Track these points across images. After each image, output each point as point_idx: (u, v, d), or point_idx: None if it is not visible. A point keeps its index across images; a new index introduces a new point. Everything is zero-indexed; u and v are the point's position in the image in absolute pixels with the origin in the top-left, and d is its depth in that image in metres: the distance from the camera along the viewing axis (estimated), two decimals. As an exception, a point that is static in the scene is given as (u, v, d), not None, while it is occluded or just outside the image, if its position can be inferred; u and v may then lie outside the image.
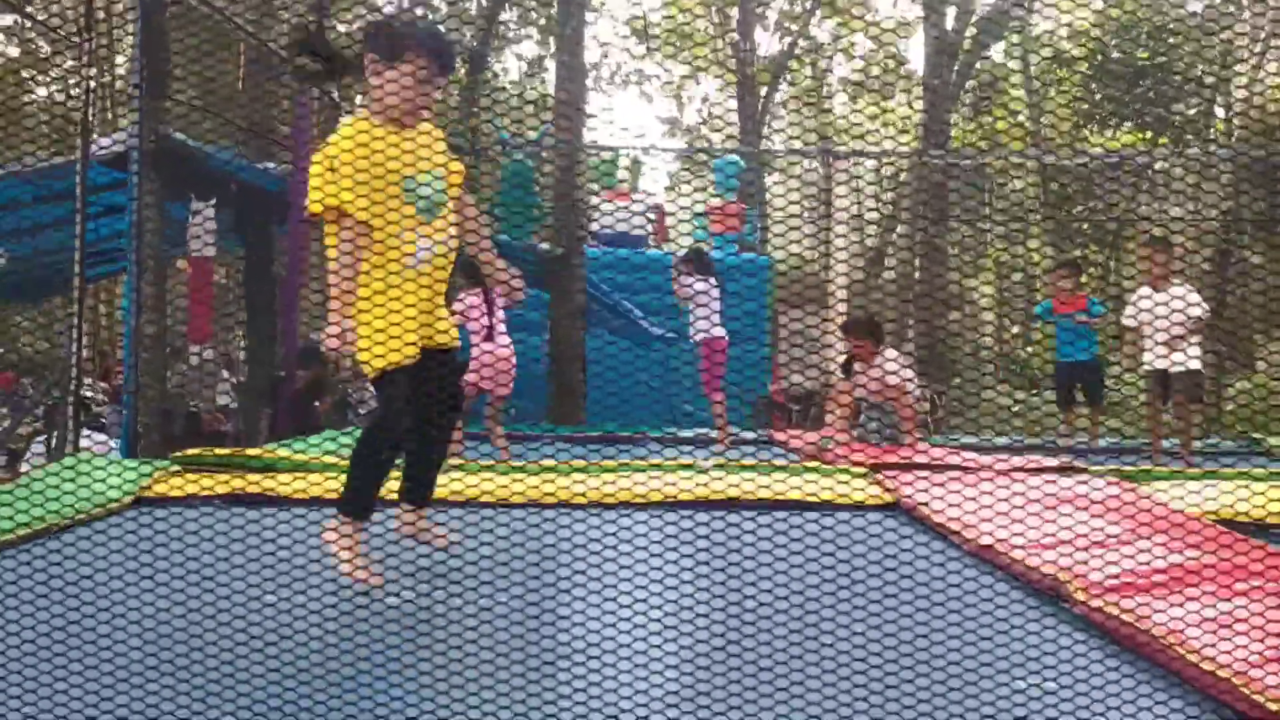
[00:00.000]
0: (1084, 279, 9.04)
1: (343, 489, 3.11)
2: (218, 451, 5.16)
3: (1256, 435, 9.31)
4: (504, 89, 23.45)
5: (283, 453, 5.33)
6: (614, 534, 3.46)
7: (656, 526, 3.80)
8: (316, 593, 2.87)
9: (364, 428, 3.28)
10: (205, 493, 4.40)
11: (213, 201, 7.89)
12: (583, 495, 4.39)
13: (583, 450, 7.75)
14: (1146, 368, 7.44)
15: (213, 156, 7.73)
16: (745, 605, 2.85)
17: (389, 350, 3.00)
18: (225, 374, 11.58)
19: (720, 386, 7.87)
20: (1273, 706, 2.03)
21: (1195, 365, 7.00)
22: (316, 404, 10.99)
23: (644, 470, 5.32)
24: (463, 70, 19.40)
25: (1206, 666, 2.22)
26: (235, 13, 9.53)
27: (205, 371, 10.12)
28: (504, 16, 20.06)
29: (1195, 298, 7.19)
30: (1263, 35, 18.45)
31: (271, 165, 9.40)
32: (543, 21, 20.39)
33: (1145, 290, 7.48)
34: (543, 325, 10.97)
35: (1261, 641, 2.30)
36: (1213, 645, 2.28)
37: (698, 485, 4.59)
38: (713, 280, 8.00)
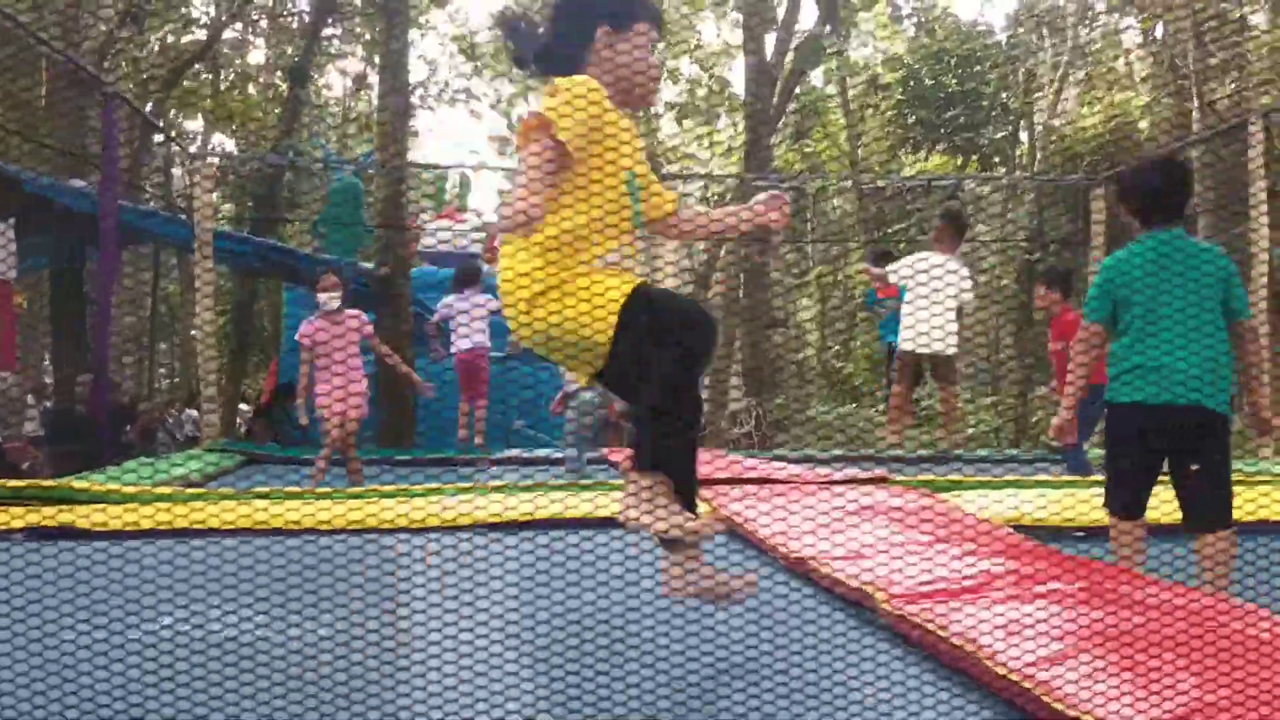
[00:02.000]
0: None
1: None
2: (13, 484, 4.91)
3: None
4: (328, 105, 23.03)
5: (82, 484, 5.11)
6: (444, 557, 3.44)
7: (480, 548, 3.79)
8: (119, 626, 2.77)
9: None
10: (3, 526, 4.18)
11: (9, 221, 7.51)
12: (408, 518, 4.35)
13: (420, 476, 7.69)
14: (901, 348, 7.48)
15: (16, 175, 7.36)
16: (568, 623, 2.87)
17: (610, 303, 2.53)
18: (31, 401, 11.02)
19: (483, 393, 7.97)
20: (1058, 707, 2.15)
21: (951, 350, 7.03)
22: (127, 429, 10.54)
23: (474, 493, 5.30)
24: (284, 85, 18.99)
25: (1000, 670, 2.35)
26: (40, 28, 9.12)
27: (9, 399, 9.59)
28: (327, 32, 19.70)
29: (967, 275, 7.20)
30: (1062, 64, 19.58)
31: (82, 183, 9.03)
32: (368, 38, 20.10)
33: (925, 254, 7.49)
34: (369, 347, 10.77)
35: (1048, 646, 2.44)
36: (1005, 650, 2.41)
37: (519, 506, 4.60)
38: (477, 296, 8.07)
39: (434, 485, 5.79)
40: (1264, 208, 8.08)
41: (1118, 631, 2.52)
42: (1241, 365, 3.64)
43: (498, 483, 6.67)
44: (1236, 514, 3.67)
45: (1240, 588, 3.48)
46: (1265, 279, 8.22)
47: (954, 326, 6.99)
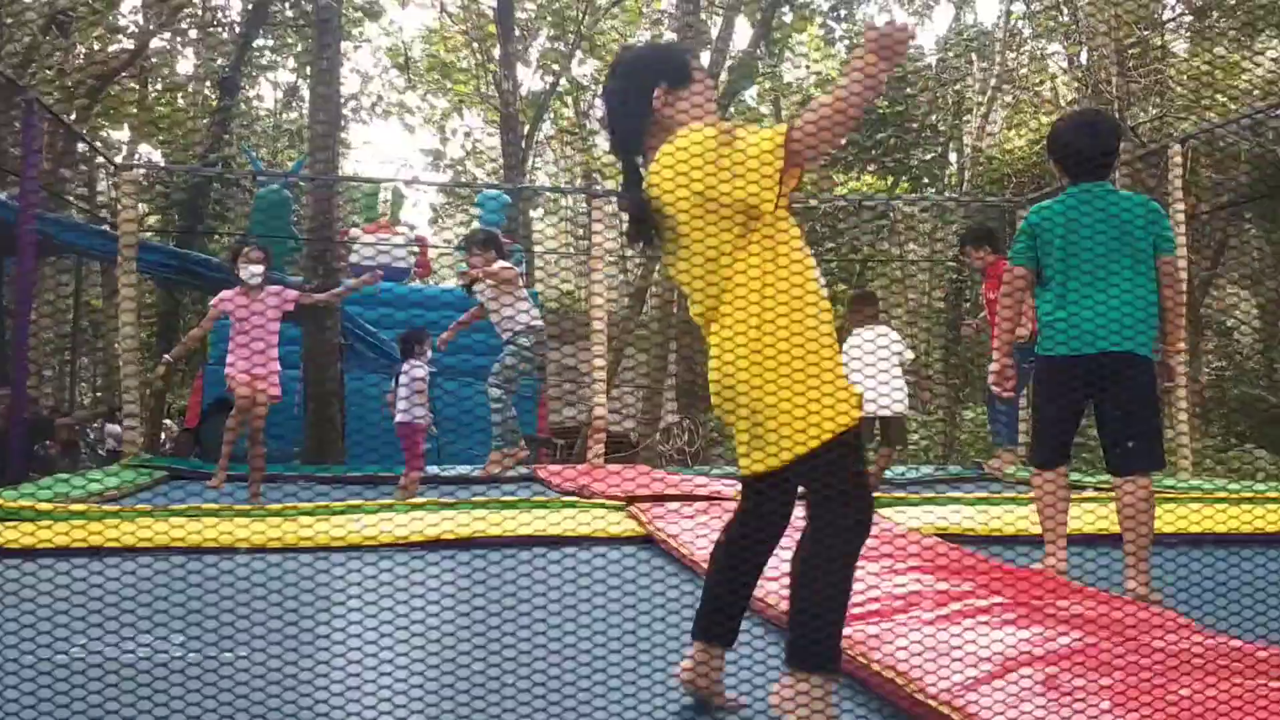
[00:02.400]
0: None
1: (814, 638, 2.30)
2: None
3: (983, 462, 9.95)
4: (258, 117, 22.75)
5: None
6: (368, 577, 3.38)
7: (405, 567, 3.74)
8: (29, 647, 2.68)
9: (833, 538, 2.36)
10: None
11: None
12: (332, 537, 4.27)
13: (343, 493, 7.57)
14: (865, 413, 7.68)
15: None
16: (493, 643, 2.83)
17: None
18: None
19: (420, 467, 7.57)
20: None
21: (901, 409, 7.21)
22: (47, 443, 10.27)
23: (394, 510, 5.22)
24: (214, 96, 18.72)
25: (922, 698, 2.33)
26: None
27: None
28: (258, 42, 19.46)
29: (898, 339, 7.42)
30: (990, 88, 19.91)
31: (1, 194, 8.80)
32: (299, 49, 19.88)
33: (856, 333, 7.77)
34: (296, 361, 10.62)
35: (975, 667, 2.44)
36: (929, 675, 2.40)
37: (449, 524, 4.54)
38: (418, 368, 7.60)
39: (357, 503, 5.70)
40: (1182, 229, 8.25)
41: (1044, 650, 2.53)
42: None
43: (420, 500, 6.59)
44: (1163, 526, 3.74)
45: (1162, 594, 3.53)
46: (1184, 297, 8.37)
47: (899, 383, 7.18)
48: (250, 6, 18.34)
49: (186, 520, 4.47)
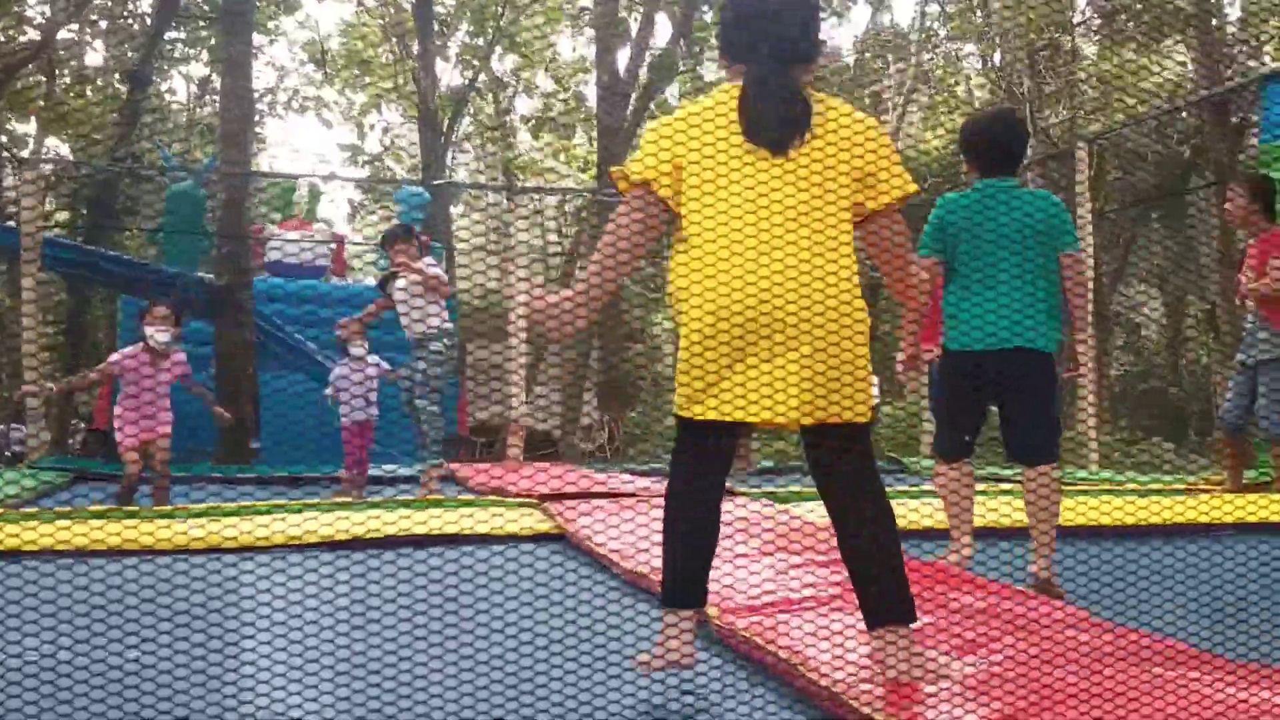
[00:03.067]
0: None
1: (900, 593, 2.44)
2: None
3: (899, 457, 10.12)
4: (169, 110, 22.27)
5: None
6: (280, 578, 3.33)
7: (314, 569, 3.68)
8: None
9: None
10: None
11: None
12: (236, 539, 4.19)
13: (263, 493, 7.46)
14: None
15: None
16: (402, 643, 2.80)
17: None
18: None
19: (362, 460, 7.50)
20: (878, 718, 2.18)
21: None
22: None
23: (305, 510, 5.15)
24: (124, 89, 18.28)
25: (824, 683, 2.36)
26: None
27: None
28: (170, 35, 19.06)
29: None
30: (905, 89, 20.22)
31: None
32: (213, 42, 19.51)
33: None
34: (208, 360, 10.43)
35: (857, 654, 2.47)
36: (830, 662, 2.43)
37: (360, 525, 4.49)
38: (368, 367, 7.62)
39: (279, 503, 5.62)
40: (1090, 229, 8.45)
41: (946, 639, 2.57)
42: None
43: (341, 499, 6.52)
44: (1072, 519, 3.82)
45: (1060, 583, 3.61)
46: (1092, 296, 8.59)
47: None
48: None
49: (106, 522, 4.36)
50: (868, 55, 21.35)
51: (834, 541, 3.77)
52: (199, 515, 4.89)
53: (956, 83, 20.73)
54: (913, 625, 2.39)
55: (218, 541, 4.17)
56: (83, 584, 3.27)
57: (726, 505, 4.92)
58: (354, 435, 7.49)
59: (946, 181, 16.00)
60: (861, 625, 2.51)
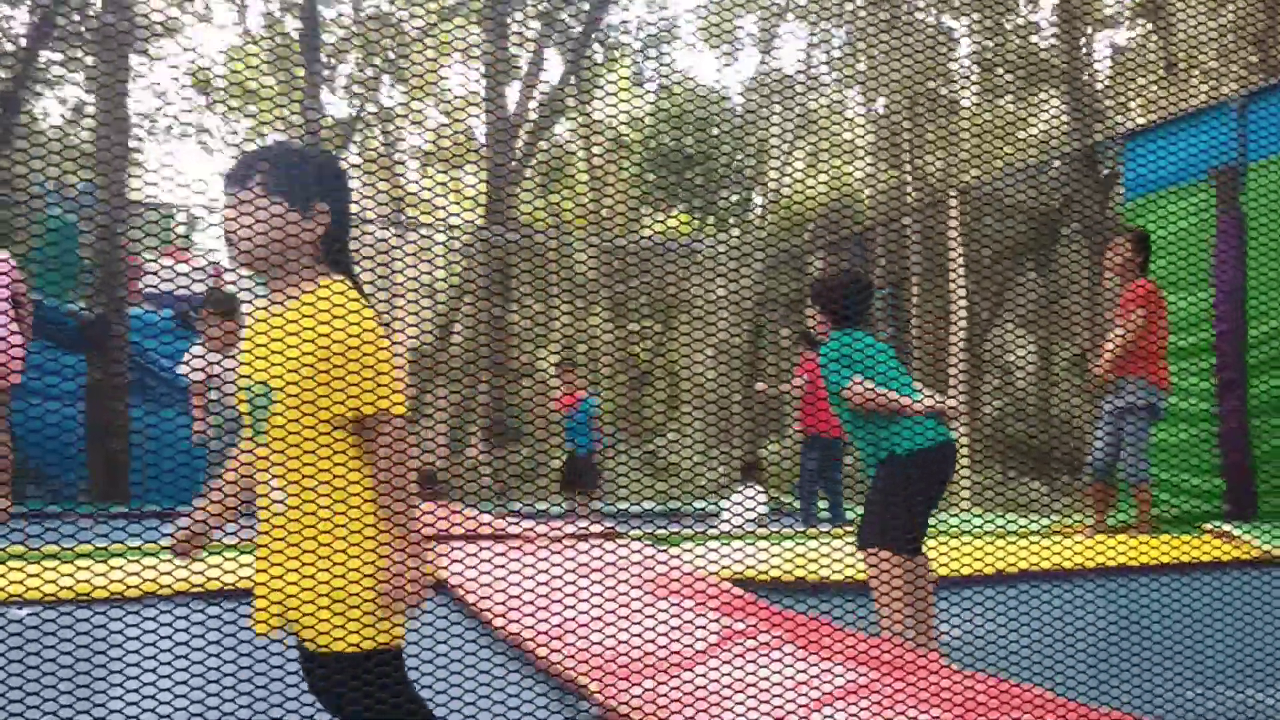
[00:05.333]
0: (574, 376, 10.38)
1: None
2: None
3: (784, 498, 10.25)
4: (42, 134, 21.59)
5: None
6: (149, 628, 3.22)
7: (183, 619, 3.57)
8: None
9: None
10: None
11: None
12: (108, 586, 4.04)
13: (135, 530, 7.16)
14: None
15: None
16: (257, 700, 2.73)
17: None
18: None
19: None
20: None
21: None
22: None
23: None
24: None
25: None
26: None
27: None
28: (45, 56, 18.48)
29: None
30: (790, 133, 20.62)
31: None
32: (90, 63, 18.98)
33: None
34: (79, 394, 10.08)
35: (758, 710, 2.50)
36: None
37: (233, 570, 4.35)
38: None
39: (151, 544, 5.42)
40: (960, 273, 8.72)
41: (829, 703, 2.61)
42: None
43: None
44: (944, 569, 4.01)
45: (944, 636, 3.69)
46: (964, 339, 8.86)
47: None
48: (35, 19, 17.41)
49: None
50: (755, 99, 21.74)
51: (716, 588, 3.80)
52: (79, 557, 4.71)
53: (840, 128, 21.22)
54: None
55: (96, 588, 4.01)
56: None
57: (609, 549, 4.93)
58: None
59: (827, 226, 16.34)
60: (749, 686, 2.53)
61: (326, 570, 2.05)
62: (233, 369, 5.92)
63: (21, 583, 3.15)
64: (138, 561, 4.53)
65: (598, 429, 10.22)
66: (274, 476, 2.12)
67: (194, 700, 2.74)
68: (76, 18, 17.73)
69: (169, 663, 2.97)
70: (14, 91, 16.37)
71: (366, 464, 2.10)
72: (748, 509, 9.01)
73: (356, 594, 2.05)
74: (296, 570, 2.06)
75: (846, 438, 6.76)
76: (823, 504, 9.04)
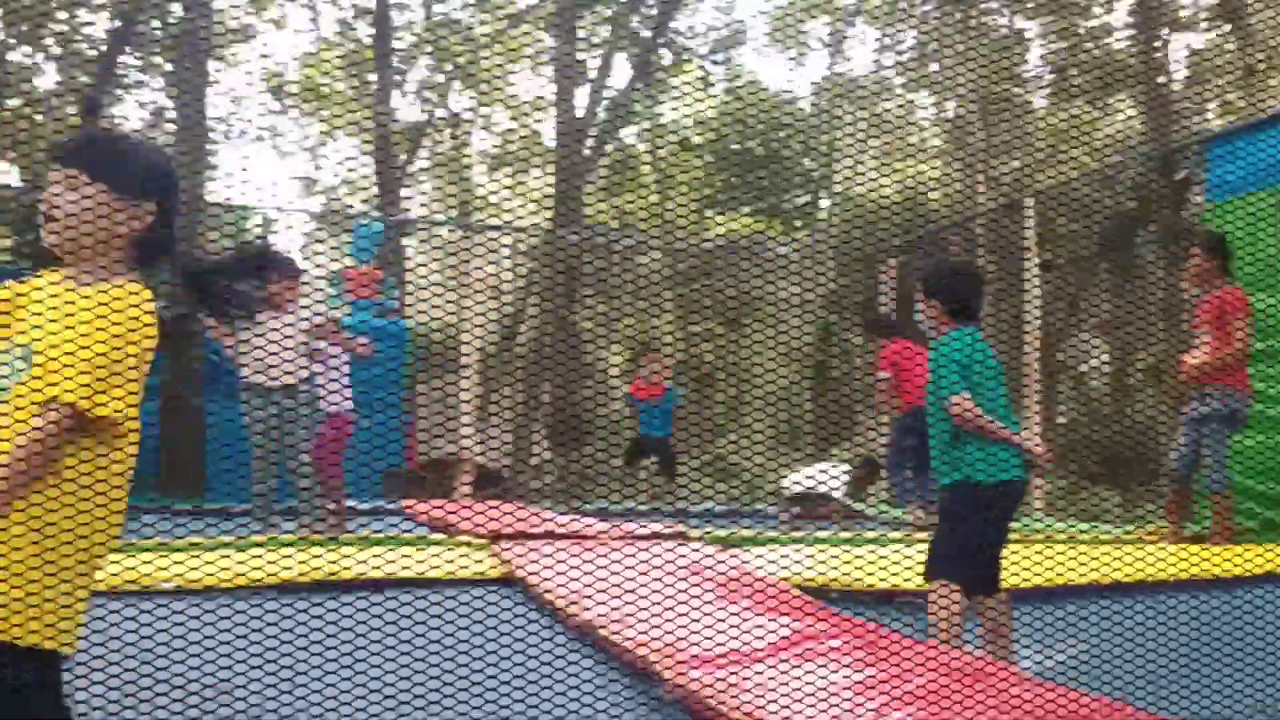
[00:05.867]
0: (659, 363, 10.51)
1: None
2: None
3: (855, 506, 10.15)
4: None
5: None
6: (224, 619, 3.27)
7: (261, 611, 3.61)
8: None
9: None
10: None
11: None
12: (182, 578, 4.11)
13: (200, 525, 7.30)
14: None
15: None
16: (342, 692, 2.75)
17: None
18: None
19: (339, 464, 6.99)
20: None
21: None
22: None
23: (259, 548, 5.07)
24: (77, 114, 18.07)
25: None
26: None
27: None
28: (124, 60, 18.90)
29: None
30: (860, 135, 20.46)
31: None
32: (167, 68, 19.38)
33: None
34: (156, 390, 10.29)
35: (828, 712, 2.47)
36: (781, 714, 2.42)
37: (303, 564, 4.41)
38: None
39: (224, 539, 5.52)
40: (1036, 279, 8.59)
41: (896, 704, 2.57)
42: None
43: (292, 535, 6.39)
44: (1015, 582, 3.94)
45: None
46: (1038, 345, 8.73)
47: None
48: (116, 24, 17.82)
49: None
50: (824, 102, 21.62)
51: (783, 594, 3.77)
52: (144, 550, 4.79)
53: (910, 132, 21.03)
54: None
55: (159, 579, 4.08)
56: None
57: (678, 550, 4.91)
58: (329, 436, 6.64)
59: (898, 232, 16.17)
60: (812, 680, 2.50)
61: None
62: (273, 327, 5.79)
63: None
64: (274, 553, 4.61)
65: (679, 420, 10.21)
66: None
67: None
68: (155, 24, 18.12)
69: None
70: (96, 95, 16.76)
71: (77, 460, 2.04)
72: (818, 480, 8.88)
73: (22, 584, 1.96)
74: None
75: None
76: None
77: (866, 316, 9.59)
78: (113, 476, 2.08)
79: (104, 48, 18.17)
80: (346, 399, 6.78)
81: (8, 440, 1.99)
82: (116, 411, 2.04)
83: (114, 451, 2.09)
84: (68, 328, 2.05)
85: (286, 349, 6.18)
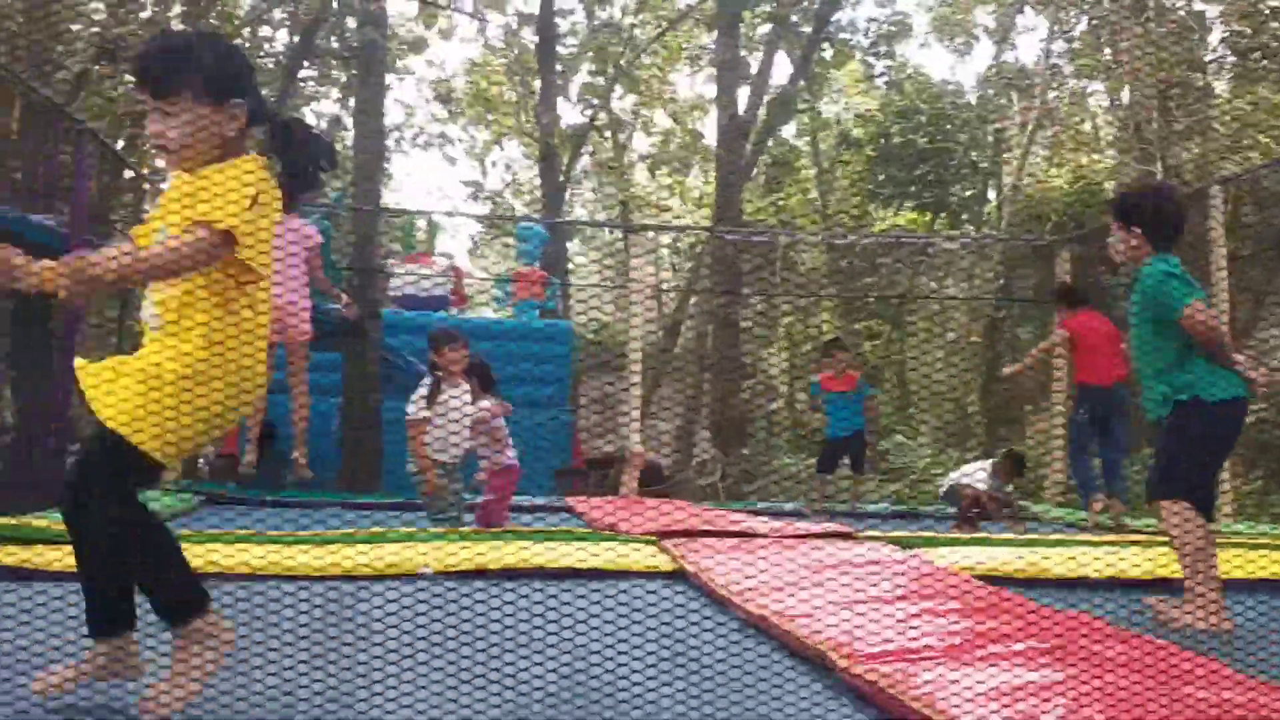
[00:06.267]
0: (850, 357, 10.15)
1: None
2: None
3: (1024, 502, 9.87)
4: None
5: (42, 523, 5.02)
6: (398, 606, 3.39)
7: (437, 597, 3.74)
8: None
9: None
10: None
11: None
12: (366, 566, 4.29)
13: (380, 517, 7.60)
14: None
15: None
16: (520, 678, 2.83)
17: None
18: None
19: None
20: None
21: None
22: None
23: (430, 539, 5.24)
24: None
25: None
26: (9, 62, 9.09)
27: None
28: (303, 74, 19.74)
29: None
30: (1030, 127, 19.87)
31: (48, 218, 8.94)
32: (343, 80, 20.16)
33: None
34: (336, 388, 10.73)
35: (1013, 709, 2.42)
36: (969, 711, 2.39)
37: (480, 554, 4.55)
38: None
39: (406, 530, 5.73)
40: (1224, 273, 8.19)
41: (1089, 696, 2.50)
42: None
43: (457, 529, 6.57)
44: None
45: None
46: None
47: None
48: (296, 39, 18.63)
49: (221, 545, 4.52)
50: (991, 91, 21.07)
51: (965, 584, 3.70)
52: (329, 541, 5.02)
53: (1082, 120, 20.32)
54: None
55: (350, 568, 4.27)
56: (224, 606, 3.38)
57: (848, 548, 4.87)
58: (499, 486, 6.83)
59: (1070, 221, 15.65)
60: (1006, 677, 2.47)
61: (155, 366, 2.36)
62: (458, 405, 6.09)
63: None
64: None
65: (873, 413, 10.00)
66: (153, 304, 2.43)
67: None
68: (333, 38, 18.86)
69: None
70: (276, 107, 17.55)
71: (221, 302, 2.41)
72: (975, 478, 8.71)
73: (159, 397, 2.34)
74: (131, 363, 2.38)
75: (1130, 383, 6.55)
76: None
77: (1056, 287, 9.20)
78: (254, 329, 2.44)
79: (284, 62, 19.00)
80: (511, 451, 6.91)
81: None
82: (256, 260, 2.38)
83: (254, 305, 2.44)
84: (215, 195, 2.35)
85: (462, 425, 6.40)
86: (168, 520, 7.09)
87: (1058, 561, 4.45)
